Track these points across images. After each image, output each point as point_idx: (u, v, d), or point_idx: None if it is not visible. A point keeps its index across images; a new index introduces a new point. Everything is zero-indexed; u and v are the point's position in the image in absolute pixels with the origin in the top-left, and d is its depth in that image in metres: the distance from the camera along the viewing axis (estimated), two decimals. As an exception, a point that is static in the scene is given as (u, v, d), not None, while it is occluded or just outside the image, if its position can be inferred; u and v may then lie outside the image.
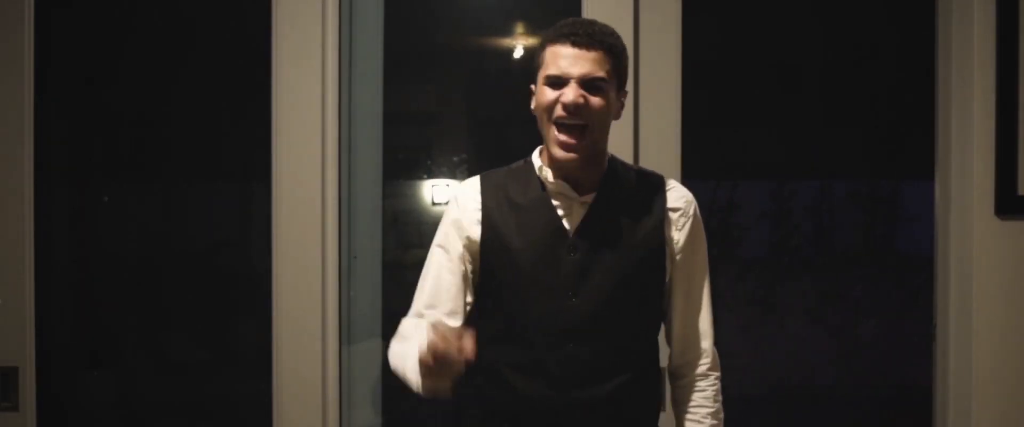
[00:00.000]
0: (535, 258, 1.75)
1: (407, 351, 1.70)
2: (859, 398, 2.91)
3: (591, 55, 1.71)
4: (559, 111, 1.71)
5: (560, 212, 1.78)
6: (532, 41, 2.57)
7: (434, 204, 2.61)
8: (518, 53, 2.59)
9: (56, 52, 2.48)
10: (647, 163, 2.24)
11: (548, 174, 1.78)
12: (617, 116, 1.79)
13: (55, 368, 2.51)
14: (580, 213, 1.78)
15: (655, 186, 1.84)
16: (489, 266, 1.80)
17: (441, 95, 2.70)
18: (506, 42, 2.61)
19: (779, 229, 2.87)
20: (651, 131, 2.27)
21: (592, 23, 1.75)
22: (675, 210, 1.83)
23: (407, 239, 2.65)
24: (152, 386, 2.66)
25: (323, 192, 2.30)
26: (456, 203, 1.83)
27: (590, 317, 1.75)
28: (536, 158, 1.84)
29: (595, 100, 1.71)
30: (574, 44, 1.71)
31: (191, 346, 2.68)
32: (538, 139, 1.81)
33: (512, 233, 1.77)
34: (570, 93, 1.69)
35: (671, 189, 1.85)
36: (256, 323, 2.39)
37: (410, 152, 2.65)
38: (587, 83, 1.70)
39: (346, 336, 2.39)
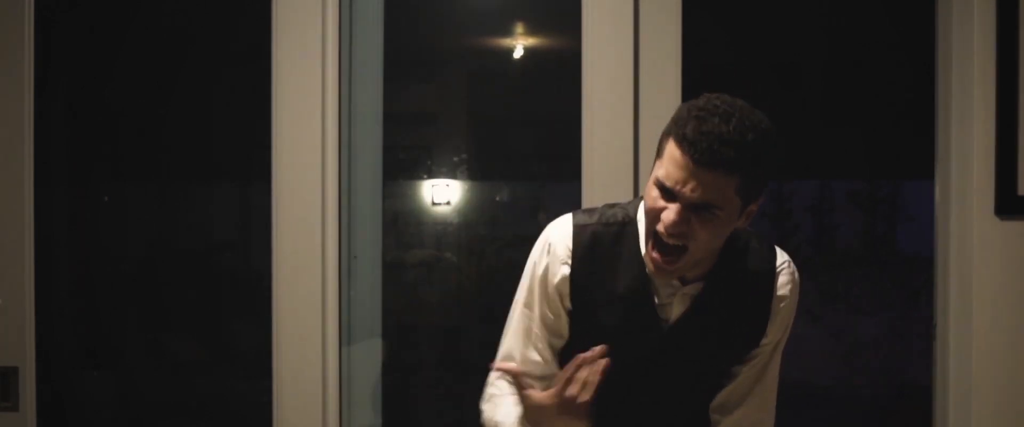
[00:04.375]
0: (620, 342, 1.54)
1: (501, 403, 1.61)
2: (859, 398, 2.91)
3: (711, 176, 1.39)
4: (659, 228, 1.45)
5: (658, 299, 1.57)
6: (532, 41, 2.57)
7: (434, 204, 2.61)
8: (518, 53, 2.58)
9: (56, 52, 2.48)
10: (647, 163, 2.24)
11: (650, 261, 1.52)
12: (743, 224, 1.52)
13: (55, 368, 2.51)
14: (681, 305, 1.57)
15: (767, 273, 1.61)
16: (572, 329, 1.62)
17: (441, 95, 2.70)
18: (506, 42, 2.61)
19: (779, 229, 2.87)
20: (651, 131, 2.27)
21: (726, 119, 1.39)
22: (781, 301, 1.61)
23: (407, 239, 2.65)
24: (152, 386, 2.66)
25: (323, 192, 2.30)
26: (545, 256, 1.60)
27: (660, 407, 1.62)
28: (640, 222, 1.57)
29: (703, 226, 1.43)
30: (694, 159, 1.38)
31: (191, 346, 2.68)
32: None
33: (603, 314, 1.58)
34: (671, 214, 1.42)
35: (781, 272, 1.62)
36: (256, 323, 2.39)
37: (410, 152, 2.65)
38: (698, 206, 1.42)
39: (346, 336, 2.39)
